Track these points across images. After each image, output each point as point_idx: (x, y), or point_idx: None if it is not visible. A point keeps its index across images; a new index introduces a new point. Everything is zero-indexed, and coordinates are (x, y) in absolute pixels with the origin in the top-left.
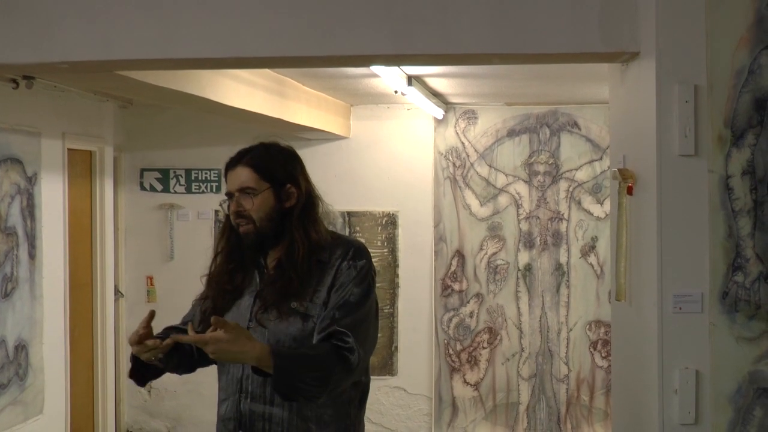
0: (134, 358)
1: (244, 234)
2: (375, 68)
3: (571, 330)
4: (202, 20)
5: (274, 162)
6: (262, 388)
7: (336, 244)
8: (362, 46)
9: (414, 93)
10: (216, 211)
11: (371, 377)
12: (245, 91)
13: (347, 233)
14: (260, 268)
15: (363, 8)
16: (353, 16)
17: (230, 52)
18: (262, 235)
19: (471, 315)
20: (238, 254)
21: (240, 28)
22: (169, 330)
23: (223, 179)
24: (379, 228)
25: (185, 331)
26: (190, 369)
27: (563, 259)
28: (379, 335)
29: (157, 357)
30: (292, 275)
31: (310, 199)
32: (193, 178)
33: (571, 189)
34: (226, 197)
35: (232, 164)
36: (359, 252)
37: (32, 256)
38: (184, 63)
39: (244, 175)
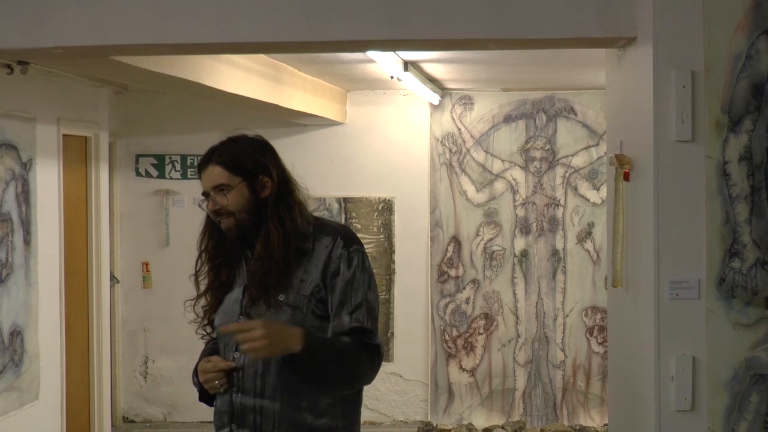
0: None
1: (226, 230)
2: (371, 53)
3: (567, 316)
4: (197, 5)
5: (243, 155)
6: (252, 382)
7: (321, 231)
8: (358, 31)
9: (410, 78)
10: None
11: None
12: (241, 77)
13: (343, 219)
14: (247, 260)
15: None
16: (349, 1)
17: (226, 37)
18: (243, 228)
19: (467, 301)
20: (222, 250)
21: (235, 13)
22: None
23: None
24: (375, 214)
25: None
26: None
27: (559, 245)
28: None
29: (222, 386)
30: (271, 265)
31: (285, 186)
32: (188, 163)
33: (567, 175)
34: (203, 197)
35: (203, 164)
36: (350, 239)
37: (27, 242)
38: (179, 48)
39: (216, 173)
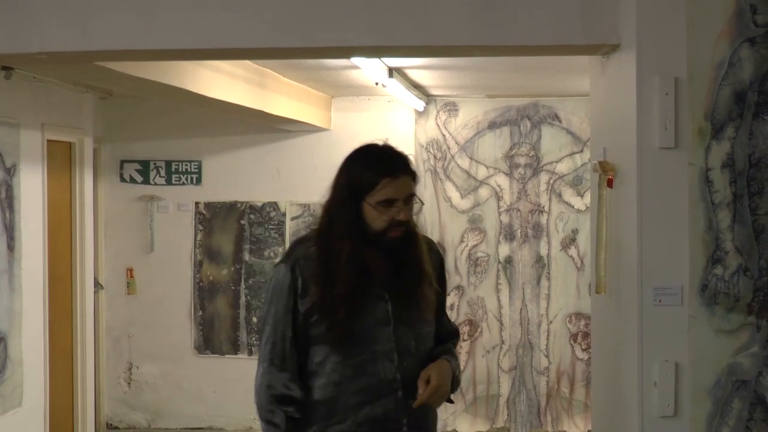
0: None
1: (393, 239)
2: (356, 60)
3: (551, 322)
4: (182, 11)
5: None
6: (415, 375)
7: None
8: (343, 38)
9: (395, 85)
10: (197, 203)
11: None
12: (225, 83)
13: None
14: (364, 267)
15: None
16: (334, 7)
17: (210, 43)
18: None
19: (451, 307)
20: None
21: (220, 19)
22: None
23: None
24: None
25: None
26: None
27: (544, 252)
28: None
29: None
30: (428, 268)
31: None
32: (173, 169)
33: (551, 181)
34: (380, 203)
35: (397, 171)
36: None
37: (11, 247)
38: (163, 54)
39: (409, 183)
